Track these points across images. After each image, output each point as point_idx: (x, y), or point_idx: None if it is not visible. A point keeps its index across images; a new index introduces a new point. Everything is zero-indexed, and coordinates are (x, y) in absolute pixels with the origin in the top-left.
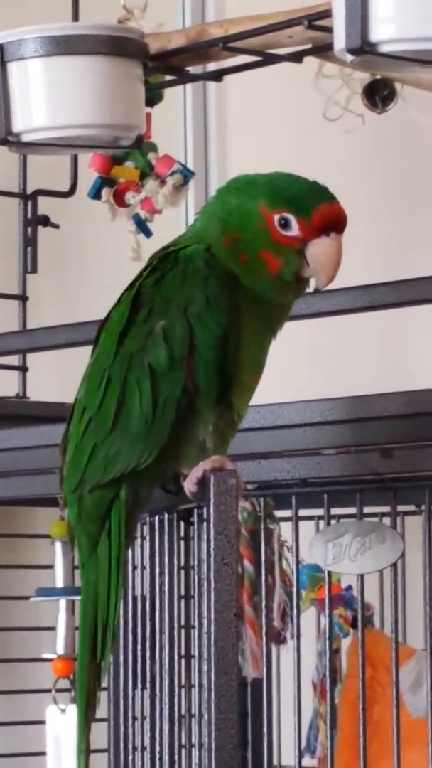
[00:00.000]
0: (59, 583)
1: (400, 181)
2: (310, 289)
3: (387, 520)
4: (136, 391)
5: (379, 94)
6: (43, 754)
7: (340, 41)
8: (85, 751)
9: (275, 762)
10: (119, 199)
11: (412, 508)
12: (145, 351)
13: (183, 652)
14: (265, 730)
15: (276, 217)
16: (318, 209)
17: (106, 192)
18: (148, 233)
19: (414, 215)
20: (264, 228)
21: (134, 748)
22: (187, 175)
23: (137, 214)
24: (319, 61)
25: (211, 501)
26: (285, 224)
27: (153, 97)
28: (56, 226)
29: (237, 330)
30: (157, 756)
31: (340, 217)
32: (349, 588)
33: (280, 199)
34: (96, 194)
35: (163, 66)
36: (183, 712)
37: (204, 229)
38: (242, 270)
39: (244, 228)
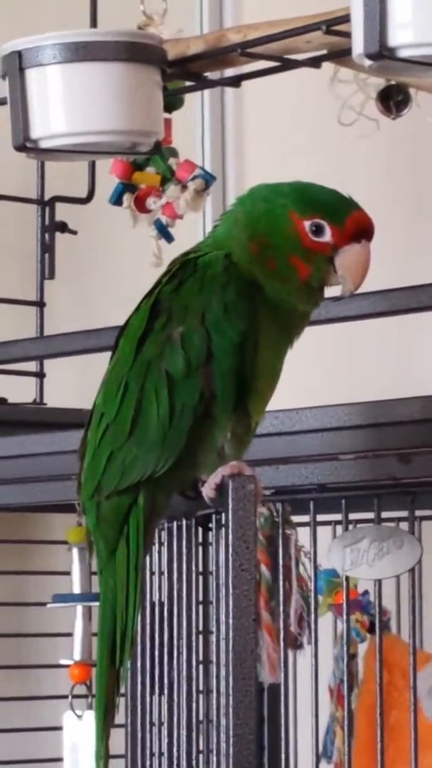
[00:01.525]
0: (76, 589)
1: (415, 186)
2: (333, 295)
3: (405, 525)
4: (153, 397)
5: (393, 100)
6: (59, 760)
7: (358, 46)
8: (103, 756)
9: (292, 767)
10: (140, 205)
11: (429, 513)
12: (162, 358)
13: (201, 658)
14: (281, 735)
15: (307, 224)
16: (351, 216)
17: (127, 198)
18: (169, 238)
19: (429, 220)
20: (294, 234)
21: (152, 754)
22: (208, 179)
23: (158, 220)
24: (334, 66)
25: (230, 506)
26: (317, 230)
27: (172, 103)
28: (74, 233)
29: (254, 338)
30: (175, 762)
31: (370, 224)
32: (366, 593)
33: (312, 205)
34: (117, 200)
35: (182, 72)
36: (201, 717)
37: (226, 236)
38: (268, 277)
39: (273, 234)
